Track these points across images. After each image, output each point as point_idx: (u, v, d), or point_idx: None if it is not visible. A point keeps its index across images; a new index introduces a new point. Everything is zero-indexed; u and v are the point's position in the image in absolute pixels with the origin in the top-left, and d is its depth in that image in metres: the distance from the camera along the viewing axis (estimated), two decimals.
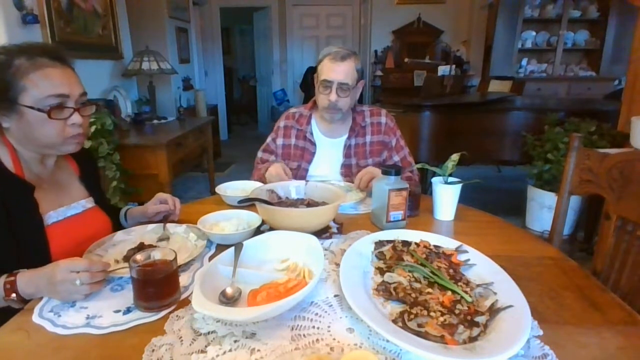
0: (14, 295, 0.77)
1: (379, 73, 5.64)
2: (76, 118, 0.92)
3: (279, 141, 1.59)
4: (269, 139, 1.62)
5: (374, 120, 1.56)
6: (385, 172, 1.08)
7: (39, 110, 0.87)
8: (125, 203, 2.21)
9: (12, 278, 0.78)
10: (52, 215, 0.95)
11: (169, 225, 1.06)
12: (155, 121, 3.34)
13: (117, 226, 1.13)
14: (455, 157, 1.19)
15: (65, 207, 0.99)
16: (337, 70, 1.41)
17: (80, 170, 1.09)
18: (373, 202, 1.14)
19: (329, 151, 1.55)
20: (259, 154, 1.62)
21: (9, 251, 0.86)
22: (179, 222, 1.09)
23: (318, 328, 0.67)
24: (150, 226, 1.06)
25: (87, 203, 1.06)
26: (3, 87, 0.86)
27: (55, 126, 0.90)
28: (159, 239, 1.01)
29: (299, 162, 1.54)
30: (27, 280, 0.78)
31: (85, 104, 0.96)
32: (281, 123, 1.61)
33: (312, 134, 1.55)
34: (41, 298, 0.77)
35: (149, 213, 1.11)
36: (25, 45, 0.91)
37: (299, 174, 1.53)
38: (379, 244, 0.91)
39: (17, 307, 0.77)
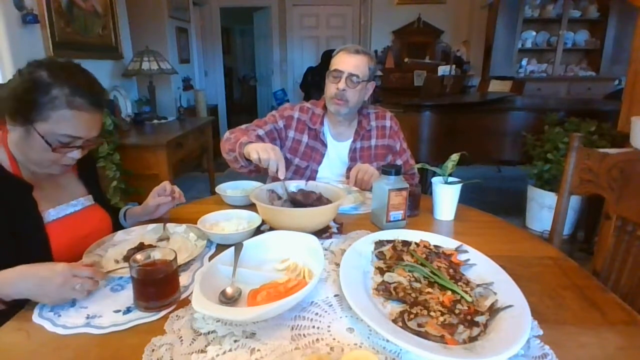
0: None
1: (379, 73, 5.64)
2: (76, 154, 0.92)
3: (290, 133, 1.52)
4: (269, 118, 1.51)
5: (379, 124, 1.56)
6: (385, 172, 1.08)
7: (46, 142, 0.86)
8: (125, 203, 2.21)
9: None
10: (51, 213, 0.95)
11: (169, 225, 1.06)
12: (155, 121, 3.34)
13: (117, 224, 1.13)
14: (455, 157, 1.19)
15: (65, 204, 1.00)
16: (349, 62, 1.41)
17: (78, 168, 1.09)
18: (373, 202, 1.14)
19: (335, 154, 1.55)
20: (251, 125, 1.49)
21: (10, 251, 0.86)
22: (179, 222, 1.09)
23: (318, 328, 0.67)
24: (150, 226, 1.06)
25: (86, 201, 1.06)
26: (29, 106, 0.84)
27: (53, 156, 0.89)
28: (159, 239, 1.01)
29: (309, 162, 1.53)
30: (6, 281, 0.73)
31: (92, 142, 0.94)
32: (295, 114, 1.52)
33: (324, 134, 1.53)
34: None
35: (150, 207, 1.12)
36: (73, 73, 0.88)
37: (308, 175, 1.52)
38: (379, 243, 0.92)
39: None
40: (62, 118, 0.85)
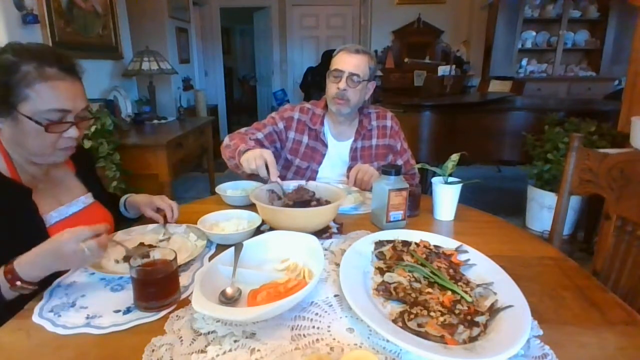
0: (18, 282, 0.75)
1: (379, 73, 5.64)
2: (73, 132, 0.90)
3: (291, 134, 1.52)
4: (268, 120, 1.52)
5: (379, 124, 1.56)
6: (386, 172, 1.08)
7: (36, 122, 0.84)
8: None
9: (10, 266, 0.75)
10: (53, 216, 0.95)
11: (169, 225, 1.06)
12: (155, 121, 3.34)
13: (118, 219, 1.13)
14: (455, 157, 1.19)
15: (66, 205, 0.99)
16: (349, 62, 1.41)
17: (75, 166, 1.08)
18: (373, 202, 1.14)
19: (336, 154, 1.55)
20: (251, 129, 1.50)
21: (13, 256, 0.85)
22: (179, 222, 1.09)
23: (318, 328, 0.67)
24: (150, 226, 1.06)
25: (87, 199, 1.06)
26: (5, 90, 0.83)
27: (49, 138, 0.87)
28: (159, 239, 1.01)
29: (309, 162, 1.53)
30: (29, 265, 0.75)
31: (85, 117, 0.93)
32: (295, 114, 1.53)
33: (324, 135, 1.53)
34: (41, 298, 0.77)
35: (144, 211, 1.11)
36: (36, 49, 0.87)
37: (308, 175, 1.53)
38: (379, 244, 0.91)
39: (28, 293, 0.76)
40: (40, 92, 0.84)
